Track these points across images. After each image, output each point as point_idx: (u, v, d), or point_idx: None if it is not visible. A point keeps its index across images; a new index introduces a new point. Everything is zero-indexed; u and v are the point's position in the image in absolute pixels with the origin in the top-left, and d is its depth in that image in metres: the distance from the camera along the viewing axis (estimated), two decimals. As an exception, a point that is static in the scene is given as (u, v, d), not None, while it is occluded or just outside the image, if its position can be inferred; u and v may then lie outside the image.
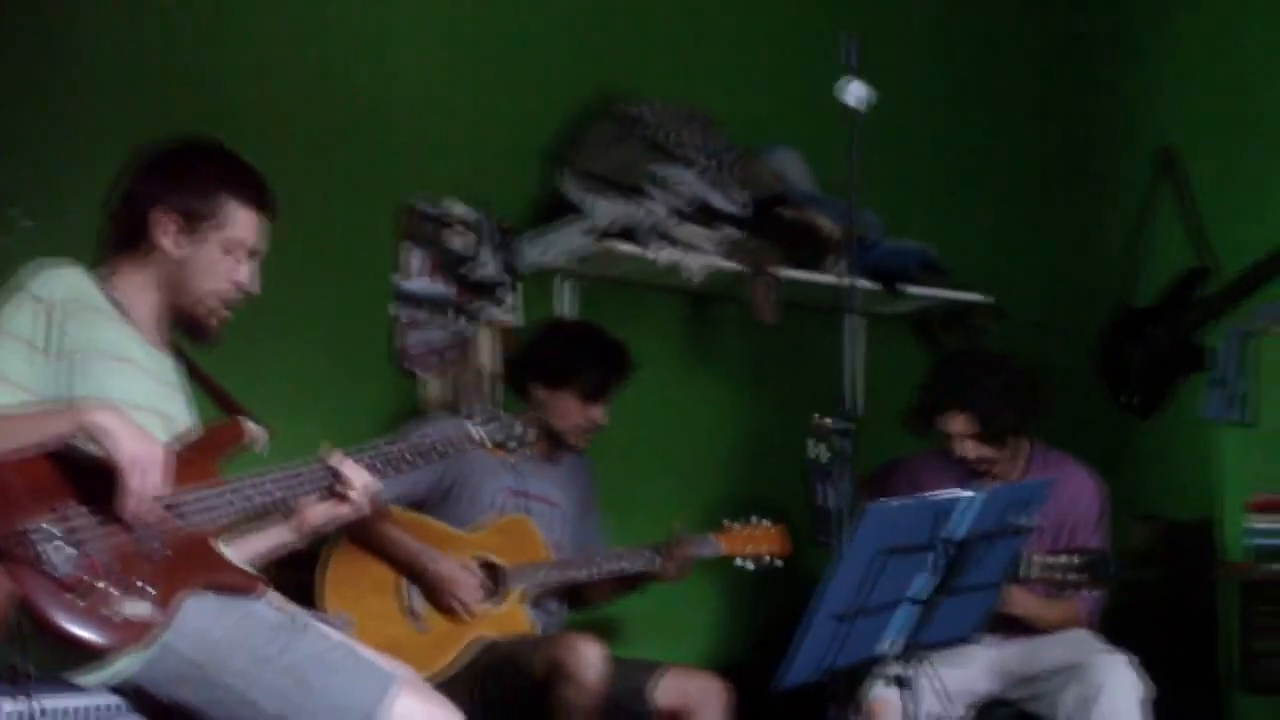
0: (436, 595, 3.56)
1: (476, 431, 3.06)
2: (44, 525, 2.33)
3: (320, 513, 2.75)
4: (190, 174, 2.67)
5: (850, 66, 3.18)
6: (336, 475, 2.72)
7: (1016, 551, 2.95)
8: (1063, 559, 3.49)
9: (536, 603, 3.73)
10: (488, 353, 4.38)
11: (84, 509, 2.39)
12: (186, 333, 2.74)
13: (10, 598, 2.26)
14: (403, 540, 3.55)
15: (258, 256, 2.74)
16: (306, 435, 3.78)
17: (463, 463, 3.63)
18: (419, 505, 3.69)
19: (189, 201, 2.65)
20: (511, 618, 3.64)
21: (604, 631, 3.70)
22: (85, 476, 2.40)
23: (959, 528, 2.66)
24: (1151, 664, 3.61)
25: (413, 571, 3.56)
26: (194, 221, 2.65)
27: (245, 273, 2.72)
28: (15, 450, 2.36)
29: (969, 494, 2.66)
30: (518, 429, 3.12)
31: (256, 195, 2.71)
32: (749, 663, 4.54)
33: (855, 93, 3.13)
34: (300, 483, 2.69)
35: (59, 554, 2.32)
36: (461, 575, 3.57)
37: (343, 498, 2.74)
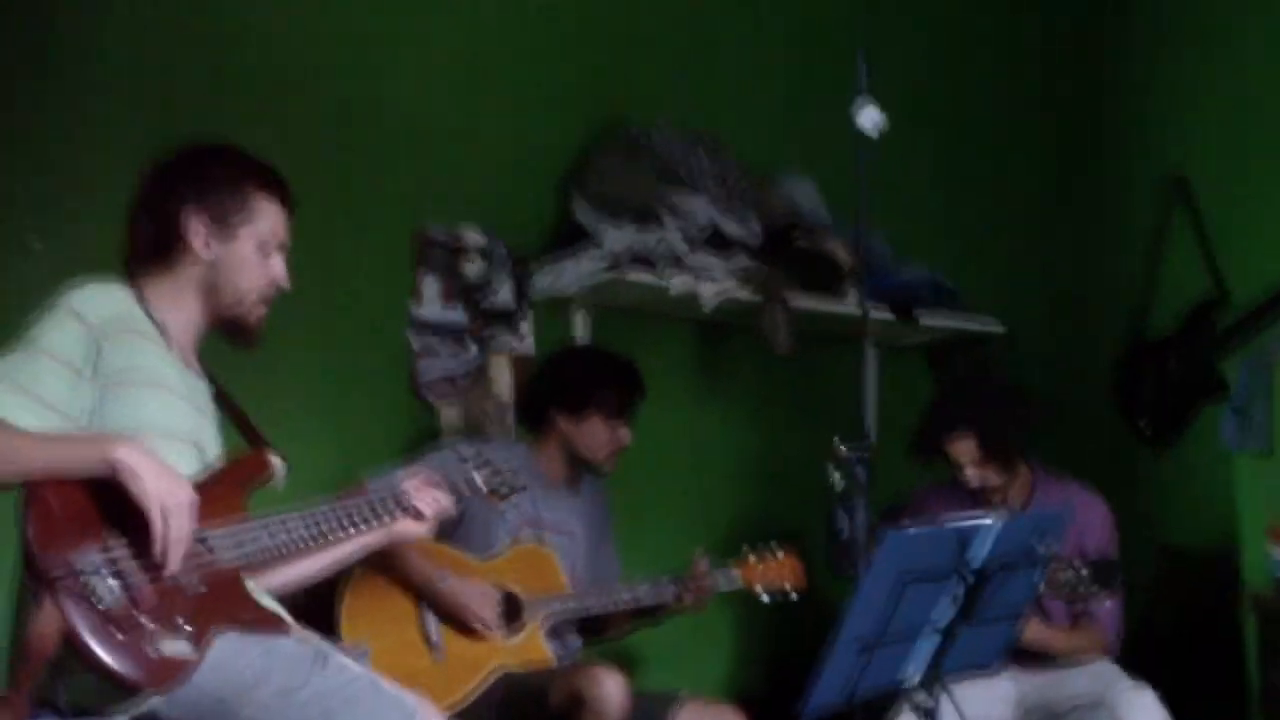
0: (454, 618, 3.55)
1: (478, 479, 3.11)
2: (91, 558, 2.31)
3: (396, 531, 2.87)
4: (214, 173, 2.66)
5: (860, 89, 3.18)
6: (400, 500, 2.83)
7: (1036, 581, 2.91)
8: (1070, 573, 3.46)
9: (553, 633, 3.71)
10: (503, 381, 4.38)
11: (124, 541, 2.37)
12: (229, 337, 2.73)
13: (58, 631, 2.24)
14: (419, 564, 3.53)
15: (286, 250, 2.74)
16: (323, 462, 3.82)
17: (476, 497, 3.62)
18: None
19: (217, 200, 2.64)
20: (529, 648, 3.62)
21: (620, 662, 3.68)
22: (123, 506, 2.37)
23: (979, 555, 2.64)
24: (1175, 696, 3.58)
25: (429, 595, 3.54)
26: (224, 220, 2.65)
27: (279, 267, 2.72)
28: (54, 478, 2.34)
29: (988, 520, 2.64)
30: (510, 477, 3.17)
31: (280, 189, 2.73)
32: (767, 694, 4.53)
33: (870, 117, 3.13)
34: (328, 522, 2.69)
35: (106, 589, 2.30)
36: (478, 596, 3.55)
37: (417, 515, 2.86)
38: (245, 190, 2.67)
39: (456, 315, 4.33)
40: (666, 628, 3.98)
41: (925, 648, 2.75)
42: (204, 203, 2.64)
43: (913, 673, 2.78)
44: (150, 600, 2.34)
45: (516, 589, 3.65)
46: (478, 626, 3.54)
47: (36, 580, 2.27)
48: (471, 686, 3.52)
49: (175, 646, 2.35)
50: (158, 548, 2.36)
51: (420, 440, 4.19)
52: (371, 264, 4.24)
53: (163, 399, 2.56)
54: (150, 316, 2.62)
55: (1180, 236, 5.12)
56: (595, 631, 3.93)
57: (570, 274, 4.30)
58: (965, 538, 2.59)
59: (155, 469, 2.37)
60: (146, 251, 2.66)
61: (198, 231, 2.63)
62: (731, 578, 3.84)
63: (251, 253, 2.68)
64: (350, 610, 3.49)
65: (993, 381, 4.00)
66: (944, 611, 2.70)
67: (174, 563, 2.38)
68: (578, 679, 3.37)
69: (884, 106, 3.19)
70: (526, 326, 4.43)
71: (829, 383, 4.78)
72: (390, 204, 4.27)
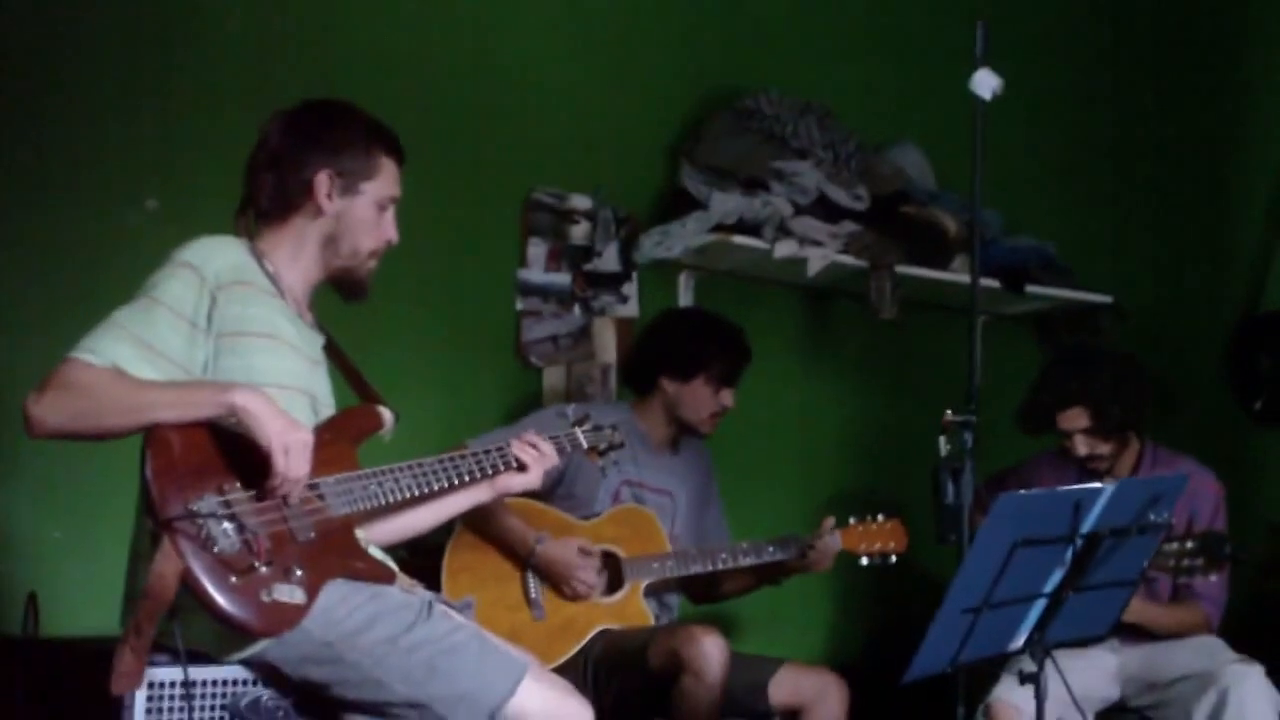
0: (553, 580, 3.57)
1: (579, 435, 3.11)
2: (211, 504, 2.35)
3: (501, 483, 2.88)
4: (343, 130, 2.70)
5: (978, 57, 3.14)
6: (505, 454, 2.86)
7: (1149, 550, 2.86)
8: (1175, 545, 3.39)
9: (652, 593, 3.72)
10: (606, 343, 4.40)
11: (240, 487, 2.41)
12: (340, 290, 2.78)
13: (176, 574, 2.28)
14: (519, 527, 3.56)
15: (395, 205, 2.78)
16: (426, 422, 3.85)
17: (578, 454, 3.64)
18: (534, 495, 3.68)
19: (346, 157, 2.68)
20: (628, 607, 3.64)
21: (718, 625, 3.68)
22: (242, 454, 2.41)
23: (1090, 519, 2.60)
24: (1280, 678, 3.53)
25: (529, 557, 3.56)
26: (350, 179, 2.68)
27: (392, 224, 2.77)
28: (174, 424, 2.37)
29: (1101, 485, 2.61)
30: (611, 434, 3.17)
31: (398, 147, 2.77)
32: (864, 661, 4.51)
33: (985, 82, 3.08)
34: (435, 475, 2.72)
35: (222, 533, 2.34)
36: (578, 559, 3.57)
37: (522, 468, 2.88)
38: (370, 148, 2.71)
39: (561, 278, 4.35)
40: (766, 592, 3.98)
41: (1032, 614, 2.71)
42: (333, 159, 2.67)
43: (1019, 640, 2.74)
44: (264, 546, 2.37)
45: (617, 548, 3.67)
46: (578, 589, 3.56)
47: (156, 524, 2.31)
48: (571, 646, 3.55)
49: (287, 592, 2.38)
50: (277, 484, 2.40)
51: (523, 403, 4.22)
52: (480, 228, 4.28)
53: (277, 350, 2.59)
54: (265, 269, 2.66)
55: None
56: (710, 590, 3.94)
57: (676, 237, 4.30)
58: (1078, 502, 2.55)
59: (274, 411, 2.40)
60: (268, 204, 2.69)
61: (324, 186, 2.67)
62: (835, 540, 3.82)
63: (370, 209, 2.72)
64: (452, 567, 3.54)
65: (1102, 352, 3.92)
66: (1053, 578, 2.66)
67: (293, 499, 2.43)
68: (678, 639, 3.38)
69: (997, 74, 3.14)
70: (631, 290, 4.45)
71: (932, 352, 4.74)
72: (500, 169, 4.30)
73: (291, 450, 2.39)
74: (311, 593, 2.41)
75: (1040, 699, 2.73)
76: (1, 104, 3.63)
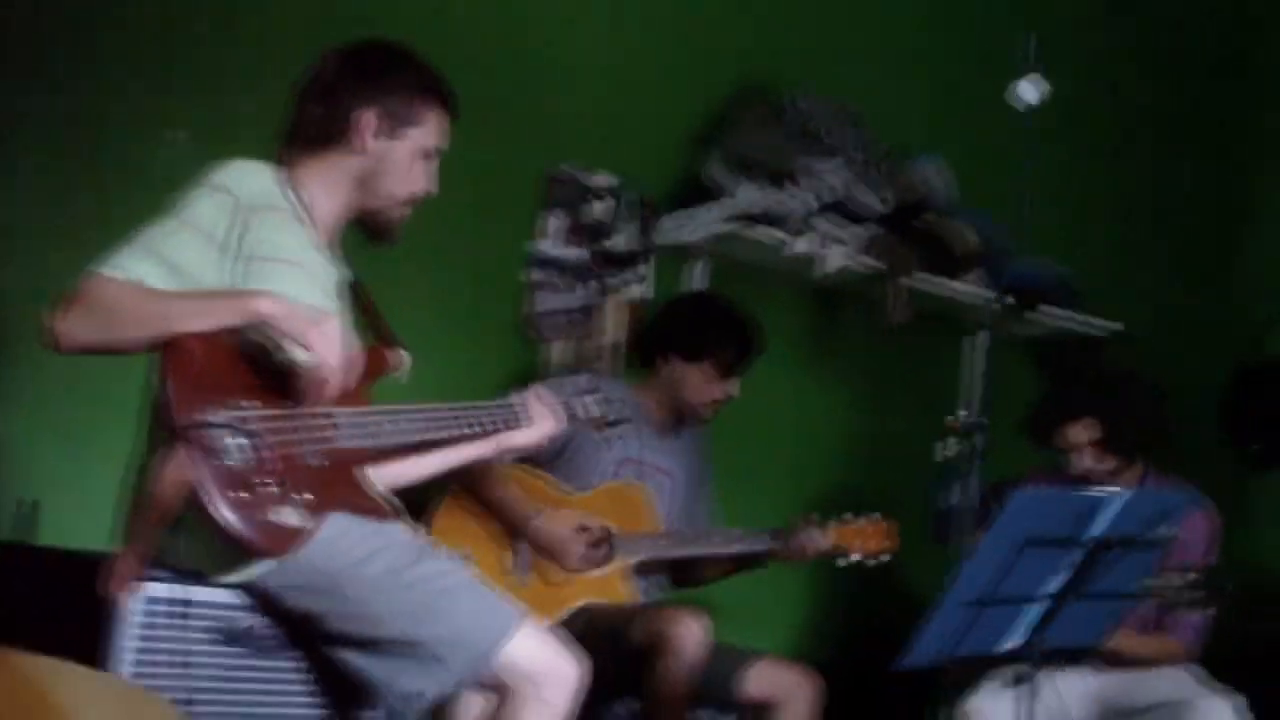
0: (547, 555, 3.55)
1: (589, 403, 3.12)
2: (224, 415, 2.34)
3: (505, 440, 2.87)
4: (397, 73, 2.70)
5: (1023, 66, 3.15)
6: (513, 412, 2.85)
7: (1151, 565, 2.86)
8: (1176, 578, 3.37)
9: (637, 572, 3.70)
10: (613, 323, 4.38)
11: (257, 405, 2.39)
12: (368, 232, 2.77)
13: (184, 483, 2.26)
14: (513, 499, 3.54)
15: (439, 157, 2.77)
16: (424, 384, 3.82)
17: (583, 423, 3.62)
18: (531, 460, 3.66)
19: (394, 100, 2.68)
20: (613, 584, 3.62)
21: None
22: (261, 373, 2.41)
23: (1101, 525, 2.60)
24: (1262, 712, 3.52)
25: (520, 530, 3.54)
26: (394, 123, 2.68)
27: (428, 175, 2.75)
28: (197, 335, 2.36)
29: (1114, 491, 2.61)
30: (619, 407, 3.18)
31: (451, 101, 2.76)
32: (833, 659, 4.50)
33: (1029, 92, 3.09)
34: (445, 422, 2.72)
35: (234, 447, 2.32)
36: (568, 540, 3.55)
37: (528, 427, 2.87)
38: (421, 96, 2.71)
39: (577, 253, 4.34)
40: (743, 582, 3.96)
41: (1028, 616, 2.71)
42: (381, 99, 2.67)
43: (1012, 640, 2.74)
44: (274, 466, 2.36)
45: (608, 523, 3.65)
46: (570, 564, 3.54)
47: (169, 430, 2.29)
48: (552, 618, 3.51)
49: (291, 515, 2.36)
50: (316, 360, 2.40)
51: (524, 374, 4.19)
52: (500, 196, 4.25)
53: (295, 276, 2.58)
54: (296, 197, 2.65)
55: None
56: (689, 574, 3.92)
57: (700, 222, 4.31)
58: (1091, 506, 2.56)
59: (298, 309, 2.42)
60: (310, 134, 2.69)
61: (368, 125, 2.67)
62: (820, 536, 3.80)
63: (408, 156, 2.71)
64: (439, 526, 3.50)
65: (1120, 371, 3.91)
66: (1056, 580, 2.66)
67: (335, 374, 2.42)
68: (662, 620, 3.36)
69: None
70: (645, 272, 4.43)
71: (932, 363, 4.76)
72: (524, 140, 4.28)
73: (325, 333, 2.40)
74: (314, 519, 2.39)
75: (1032, 699, 2.73)
76: (31, 34, 3.59)
